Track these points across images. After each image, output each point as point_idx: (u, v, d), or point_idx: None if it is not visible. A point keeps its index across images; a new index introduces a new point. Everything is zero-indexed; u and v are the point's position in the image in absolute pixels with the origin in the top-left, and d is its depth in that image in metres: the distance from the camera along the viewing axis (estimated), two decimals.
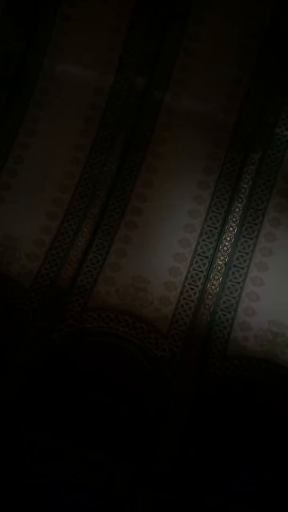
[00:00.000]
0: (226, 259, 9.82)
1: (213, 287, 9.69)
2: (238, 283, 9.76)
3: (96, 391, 9.34)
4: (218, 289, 9.68)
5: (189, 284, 9.76)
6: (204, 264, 9.85)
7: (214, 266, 9.78)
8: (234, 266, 9.84)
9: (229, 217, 9.93)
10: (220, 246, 9.86)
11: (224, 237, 9.89)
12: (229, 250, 9.86)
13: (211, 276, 9.73)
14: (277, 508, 8.41)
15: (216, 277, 9.74)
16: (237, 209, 9.94)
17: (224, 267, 9.79)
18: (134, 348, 9.41)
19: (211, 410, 9.04)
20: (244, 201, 9.95)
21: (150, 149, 10.34)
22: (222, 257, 9.83)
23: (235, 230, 9.91)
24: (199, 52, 10.37)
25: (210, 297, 9.62)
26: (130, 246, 9.95)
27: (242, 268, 9.83)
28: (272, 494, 8.57)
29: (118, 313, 9.51)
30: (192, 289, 9.73)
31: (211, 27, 10.30)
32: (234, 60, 10.17)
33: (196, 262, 9.87)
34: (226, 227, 9.91)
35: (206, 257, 9.87)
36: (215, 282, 9.71)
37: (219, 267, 9.78)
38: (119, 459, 8.63)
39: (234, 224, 9.92)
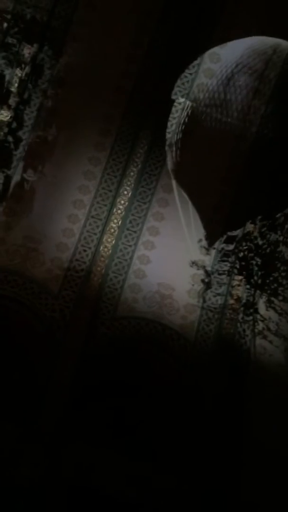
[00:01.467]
0: (120, 222, 9.94)
1: (105, 249, 9.80)
2: (130, 246, 9.95)
3: None
4: (110, 251, 9.81)
5: (82, 245, 9.77)
6: (97, 226, 9.88)
7: (108, 229, 9.86)
8: (127, 229, 9.99)
9: (124, 181, 9.99)
10: (114, 209, 9.93)
11: (118, 200, 9.96)
12: (123, 213, 9.96)
13: (104, 239, 9.82)
14: (162, 460, 9.00)
15: (109, 239, 9.85)
16: (132, 173, 10.01)
17: (117, 230, 9.91)
18: (24, 309, 9.33)
19: (99, 369, 9.31)
20: (139, 166, 10.03)
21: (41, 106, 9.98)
22: (115, 220, 9.93)
23: (129, 194, 10.01)
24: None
25: (102, 259, 9.74)
26: (21, 205, 9.66)
27: (135, 231, 10.02)
28: (159, 445, 9.14)
29: (7, 273, 9.31)
30: (84, 250, 9.75)
31: None
32: (134, 23, 10.01)
33: (90, 224, 9.87)
34: (121, 191, 9.97)
35: (100, 220, 9.90)
36: (107, 245, 9.82)
37: (112, 230, 9.88)
38: (4, 420, 8.65)
39: (128, 188, 10.01)
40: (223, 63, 10.06)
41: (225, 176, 10.27)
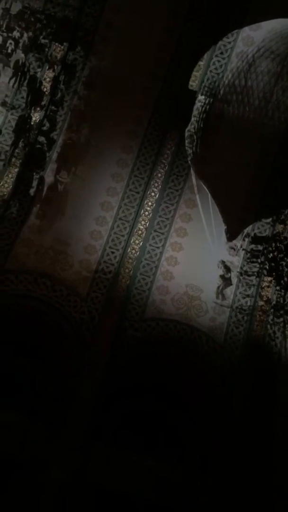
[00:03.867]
0: (147, 224, 9.93)
1: (133, 251, 9.80)
2: (158, 247, 9.93)
3: (13, 354, 9.30)
4: (138, 253, 9.81)
5: (110, 247, 9.79)
6: (125, 228, 9.89)
7: (135, 231, 9.87)
8: (155, 231, 9.98)
9: (151, 182, 9.98)
10: (142, 211, 9.93)
11: (145, 202, 9.95)
12: (150, 215, 9.95)
13: (132, 240, 9.82)
14: (190, 462, 8.95)
15: (137, 241, 9.85)
16: (159, 175, 10.00)
17: (145, 232, 9.90)
18: (53, 311, 9.37)
19: (128, 370, 9.30)
20: (167, 167, 10.01)
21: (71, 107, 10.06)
22: (143, 222, 9.92)
23: (157, 195, 9.99)
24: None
25: (130, 261, 9.74)
26: (50, 207, 9.74)
27: (162, 233, 9.99)
28: (188, 447, 9.09)
29: (36, 275, 9.37)
30: (112, 252, 9.77)
31: None
32: (161, 26, 9.99)
33: (118, 226, 9.89)
34: (148, 192, 9.96)
35: (128, 221, 9.91)
36: (135, 246, 9.82)
37: (140, 232, 9.88)
38: (35, 421, 8.74)
39: (156, 190, 9.99)
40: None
41: (252, 170, 10.12)
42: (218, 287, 9.79)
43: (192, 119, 9.98)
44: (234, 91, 9.97)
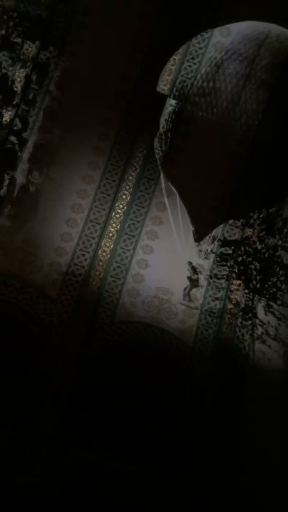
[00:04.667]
0: (118, 227, 9.93)
1: (104, 253, 9.79)
2: (129, 250, 9.94)
3: None
4: (109, 256, 9.80)
5: (80, 250, 9.75)
6: (96, 230, 9.87)
7: (106, 233, 9.86)
8: (126, 233, 9.99)
9: (123, 185, 9.98)
10: (113, 213, 9.92)
11: (117, 204, 9.95)
12: (121, 217, 9.96)
13: (103, 243, 9.81)
14: (160, 462, 9.00)
15: (108, 244, 9.85)
16: (130, 177, 10.01)
17: (115, 234, 9.91)
18: (22, 313, 9.29)
19: (98, 373, 9.29)
20: (138, 170, 10.04)
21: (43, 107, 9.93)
22: (114, 224, 9.92)
23: (128, 198, 10.00)
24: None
25: (100, 263, 9.73)
26: (20, 209, 9.63)
27: (133, 236, 10.01)
28: (158, 448, 9.14)
29: (5, 277, 9.28)
30: (83, 255, 9.74)
31: None
32: (133, 28, 9.99)
33: (88, 228, 9.86)
34: (119, 195, 9.97)
35: (98, 224, 9.89)
36: (106, 249, 9.82)
37: (110, 234, 9.88)
38: (3, 424, 8.63)
39: (127, 192, 10.01)
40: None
41: (222, 174, 10.23)
42: (185, 289, 9.89)
43: (163, 122, 10.04)
44: (203, 93, 10.05)
